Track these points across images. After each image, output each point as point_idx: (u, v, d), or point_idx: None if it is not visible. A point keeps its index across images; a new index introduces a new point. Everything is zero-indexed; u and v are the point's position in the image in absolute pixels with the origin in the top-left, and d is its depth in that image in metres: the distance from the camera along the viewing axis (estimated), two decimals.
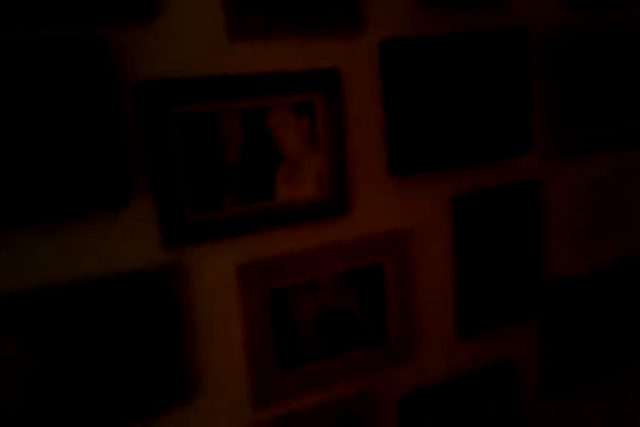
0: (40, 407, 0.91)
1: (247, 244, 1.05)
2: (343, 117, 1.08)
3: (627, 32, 1.34)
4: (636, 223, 1.48)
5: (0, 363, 0.87)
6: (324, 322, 1.12)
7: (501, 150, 1.25)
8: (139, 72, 0.92)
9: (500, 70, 1.21)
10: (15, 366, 0.88)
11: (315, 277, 1.10)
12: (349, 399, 1.17)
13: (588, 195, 1.39)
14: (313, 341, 1.11)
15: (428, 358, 1.25)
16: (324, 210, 1.09)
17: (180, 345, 0.99)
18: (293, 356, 1.10)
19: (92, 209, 0.90)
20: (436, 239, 1.22)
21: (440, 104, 1.16)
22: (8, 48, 0.82)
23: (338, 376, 1.15)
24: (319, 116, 1.06)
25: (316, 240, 1.10)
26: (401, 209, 1.18)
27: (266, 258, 1.06)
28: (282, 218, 1.06)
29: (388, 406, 1.23)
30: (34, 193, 0.87)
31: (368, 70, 1.10)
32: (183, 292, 1.00)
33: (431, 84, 1.15)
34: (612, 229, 1.43)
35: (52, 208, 0.88)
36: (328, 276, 1.11)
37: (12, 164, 0.85)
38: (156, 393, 0.99)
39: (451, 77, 1.16)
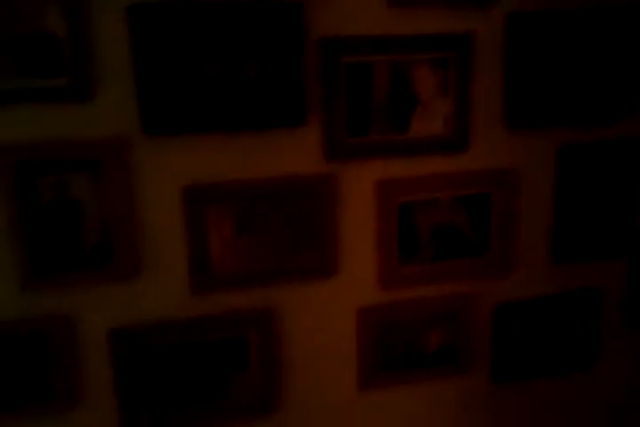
0: None
1: (384, 165, 1.38)
2: (470, 73, 1.37)
3: None
4: None
5: None
6: (438, 233, 1.44)
7: (607, 111, 1.47)
8: (320, 30, 1.28)
9: (612, 42, 1.43)
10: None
11: (435, 197, 1.42)
12: (451, 297, 1.48)
13: None
14: (427, 246, 1.44)
15: (523, 276, 1.53)
16: (448, 145, 1.40)
17: (328, 232, 1.36)
18: (411, 255, 1.43)
19: (278, 125, 1.28)
20: (539, 179, 1.49)
21: (553, 69, 1.41)
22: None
23: (444, 278, 1.47)
24: (451, 70, 1.36)
25: (439, 168, 1.41)
26: (511, 152, 1.46)
27: (398, 178, 1.39)
28: (413, 148, 1.38)
29: (483, 310, 1.52)
30: (237, 107, 1.26)
31: (495, 37, 1.38)
32: (335, 195, 1.36)
33: (547, 52, 1.40)
34: None
35: (251, 122, 1.27)
36: (446, 197, 1.42)
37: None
38: (307, 267, 1.36)
39: (565, 46, 1.41)
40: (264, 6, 1.22)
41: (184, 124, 1.23)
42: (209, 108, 1.23)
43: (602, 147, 1.50)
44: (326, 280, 1.40)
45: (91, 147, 1.19)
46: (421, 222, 1.43)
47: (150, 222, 1.27)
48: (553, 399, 1.66)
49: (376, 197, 1.39)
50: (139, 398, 1.32)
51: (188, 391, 1.35)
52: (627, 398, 1.73)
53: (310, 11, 1.26)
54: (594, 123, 1.48)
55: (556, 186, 1.50)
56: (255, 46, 1.23)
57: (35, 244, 1.20)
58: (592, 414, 1.71)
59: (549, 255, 1.53)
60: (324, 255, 1.37)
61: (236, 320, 1.35)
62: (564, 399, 1.67)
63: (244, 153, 1.29)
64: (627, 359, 1.69)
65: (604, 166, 1.52)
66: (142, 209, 1.26)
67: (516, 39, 1.38)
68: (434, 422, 1.58)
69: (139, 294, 1.30)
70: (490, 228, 1.47)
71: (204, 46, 1.20)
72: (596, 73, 1.44)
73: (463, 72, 1.37)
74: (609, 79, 1.46)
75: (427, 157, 1.40)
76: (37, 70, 1.12)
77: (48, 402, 1.28)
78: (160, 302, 1.31)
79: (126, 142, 1.21)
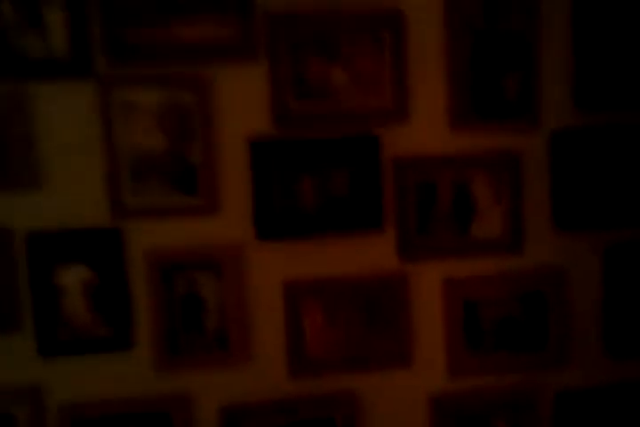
0: None
1: (449, 265, 1.58)
2: (520, 186, 1.59)
3: None
4: None
5: None
6: (499, 325, 1.59)
7: None
8: (394, 153, 1.53)
9: None
10: None
11: (494, 292, 1.59)
12: (514, 387, 1.60)
13: None
14: (491, 335, 1.59)
15: (578, 367, 1.65)
16: (504, 247, 1.60)
17: (402, 325, 1.53)
18: (477, 343, 1.58)
19: (360, 229, 1.51)
20: (589, 278, 1.65)
21: (594, 179, 1.63)
22: None
23: (507, 368, 1.60)
24: (504, 182, 1.59)
25: (498, 268, 1.60)
26: (562, 253, 1.64)
27: (460, 276, 1.58)
28: (474, 250, 1.58)
29: (545, 399, 1.64)
30: (329, 216, 1.49)
31: (542, 152, 1.61)
32: (408, 290, 1.55)
33: (588, 162, 1.62)
34: None
35: (339, 227, 1.50)
36: (505, 293, 1.59)
37: None
38: (385, 356, 1.53)
39: (603, 158, 1.63)
40: (350, 140, 1.50)
41: (286, 230, 1.48)
42: (307, 218, 1.48)
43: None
44: (401, 368, 1.56)
45: (215, 249, 1.46)
46: (485, 317, 1.59)
47: (258, 313, 1.50)
48: None
49: (443, 293, 1.57)
50: None
51: None
52: None
53: (385, 138, 1.52)
54: (637, 225, 1.67)
55: (604, 283, 1.66)
56: (343, 168, 1.49)
57: (169, 330, 1.44)
58: None
59: (602, 348, 1.66)
60: (400, 345, 1.54)
61: (326, 401, 1.52)
62: None
63: (333, 253, 1.52)
64: None
65: None
66: (251, 302, 1.49)
67: (559, 154, 1.61)
68: None
69: (247, 377, 1.50)
70: (547, 322, 1.62)
71: (303, 167, 1.48)
72: (633, 181, 1.65)
73: (513, 185, 1.60)
74: None
75: (487, 257, 1.60)
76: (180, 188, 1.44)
77: None
78: (264, 384, 1.51)
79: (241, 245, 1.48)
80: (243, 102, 1.46)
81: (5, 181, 1.37)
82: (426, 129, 1.55)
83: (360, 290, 1.52)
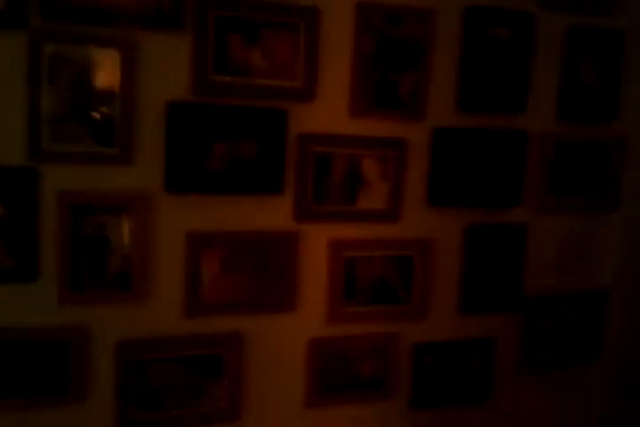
0: None
1: (336, 228, 1.85)
2: (405, 165, 1.88)
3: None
4: None
5: None
6: (374, 283, 1.89)
7: (500, 202, 2.00)
8: (298, 128, 1.77)
9: (504, 156, 1.99)
10: None
11: (372, 254, 1.88)
12: (381, 335, 1.91)
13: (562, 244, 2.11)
14: (366, 293, 1.88)
15: (435, 323, 1.98)
16: (384, 217, 1.89)
17: (291, 276, 1.79)
18: (353, 297, 1.87)
19: (262, 192, 1.74)
20: (452, 248, 1.98)
21: (464, 169, 1.95)
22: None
23: (377, 318, 1.90)
24: (389, 163, 1.87)
25: (377, 233, 1.89)
26: (432, 225, 1.95)
27: (345, 238, 1.86)
28: (359, 217, 1.86)
29: (405, 348, 1.95)
30: (236, 178, 1.72)
31: (423, 142, 1.91)
32: (299, 247, 1.80)
33: (459, 155, 1.94)
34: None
35: (244, 188, 1.73)
36: (380, 255, 1.89)
37: None
38: (273, 302, 1.78)
39: (474, 155, 1.95)
40: (261, 111, 1.72)
41: (194, 186, 1.68)
42: (215, 177, 1.69)
43: (498, 227, 2.02)
44: (286, 314, 1.82)
45: (125, 197, 1.62)
46: (361, 273, 1.88)
47: (160, 258, 1.68)
48: (458, 425, 2.07)
49: (328, 252, 1.84)
50: (131, 398, 1.68)
51: (171, 396, 1.71)
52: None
53: (292, 114, 1.76)
54: (493, 208, 2.01)
55: (464, 254, 1.99)
56: (252, 137, 1.71)
57: (73, 267, 1.59)
58: None
59: (457, 305, 2.00)
60: (287, 294, 1.80)
61: (215, 340, 1.74)
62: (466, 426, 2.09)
63: (236, 211, 1.74)
64: (517, 394, 2.14)
65: (496, 244, 2.03)
66: (155, 248, 1.68)
67: (438, 145, 1.92)
68: None
69: (145, 315, 1.69)
70: (412, 283, 1.93)
71: (216, 131, 1.68)
72: (495, 173, 1.99)
73: (399, 165, 1.88)
74: (504, 180, 2.00)
75: (368, 224, 1.88)
76: (99, 141, 1.59)
77: (62, 395, 1.63)
78: (160, 322, 1.71)
79: (152, 197, 1.66)
80: (165, 68, 1.63)
81: None
82: (329, 110, 1.80)
83: (256, 245, 1.76)
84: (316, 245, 1.84)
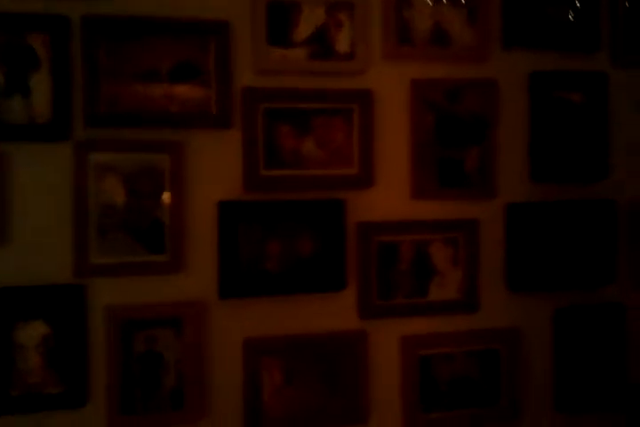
0: None
1: (407, 324, 1.67)
2: (478, 250, 1.71)
3: None
4: None
5: None
6: (454, 383, 1.68)
7: (592, 281, 1.78)
8: (360, 217, 1.64)
9: (590, 229, 1.78)
10: None
11: (450, 350, 1.68)
12: None
13: None
14: (446, 395, 1.67)
15: (530, 422, 1.74)
16: (461, 307, 1.70)
17: (359, 383, 1.61)
18: (432, 404, 1.66)
19: (324, 290, 1.60)
20: (540, 337, 1.75)
21: (545, 248, 1.75)
22: None
23: (460, 424, 1.68)
24: (461, 248, 1.70)
25: (454, 326, 1.69)
26: (515, 313, 1.74)
27: (418, 334, 1.67)
28: (432, 309, 1.68)
29: None
30: (293, 276, 1.58)
31: (496, 222, 1.73)
32: (367, 348, 1.63)
33: (540, 232, 1.74)
34: None
35: (302, 287, 1.59)
36: (460, 351, 1.68)
37: None
38: (342, 414, 1.60)
39: (554, 229, 1.75)
40: (317, 204, 1.59)
41: (250, 290, 1.55)
42: (271, 278, 1.56)
43: (590, 309, 1.79)
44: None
45: (178, 308, 1.51)
46: (440, 374, 1.68)
47: (216, 371, 1.55)
48: None
49: (400, 351, 1.65)
50: None
51: None
52: None
53: (350, 203, 1.63)
54: (583, 289, 1.79)
55: (555, 343, 1.76)
56: (308, 232, 1.59)
57: (124, 389, 1.48)
58: None
59: (553, 403, 1.76)
60: (356, 404, 1.61)
61: None
62: None
63: (295, 312, 1.60)
64: None
65: (591, 328, 1.79)
66: (211, 360, 1.54)
67: (513, 223, 1.73)
68: None
69: None
70: (499, 380, 1.71)
71: (270, 229, 1.56)
72: (581, 250, 1.77)
73: (471, 248, 1.71)
74: (592, 256, 1.78)
75: (443, 317, 1.69)
76: (148, 248, 1.50)
77: None
78: None
79: (205, 305, 1.54)
80: (214, 167, 1.54)
81: None
82: (389, 195, 1.66)
83: (319, 348, 1.60)
84: (386, 343, 1.66)
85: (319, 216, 1.59)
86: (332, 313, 1.62)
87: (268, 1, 1.54)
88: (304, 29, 1.57)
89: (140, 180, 1.49)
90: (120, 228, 1.48)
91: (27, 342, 1.43)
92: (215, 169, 1.55)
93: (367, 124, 1.61)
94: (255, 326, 1.57)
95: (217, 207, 1.53)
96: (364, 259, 1.63)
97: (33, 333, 1.43)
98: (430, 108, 1.66)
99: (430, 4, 1.65)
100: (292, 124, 1.57)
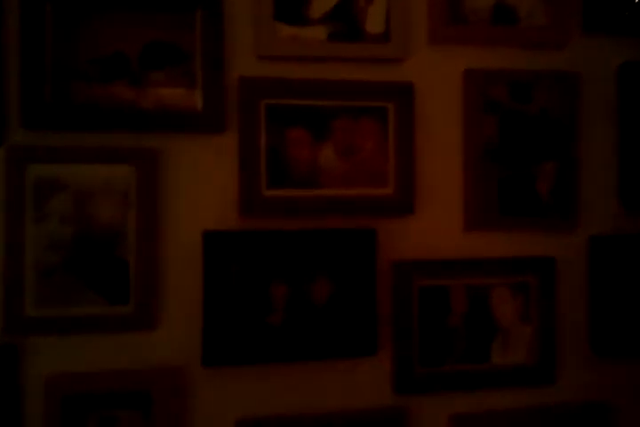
0: None
1: (461, 398, 1.25)
2: (555, 300, 1.28)
3: None
4: None
5: None
6: None
7: None
8: (395, 253, 1.23)
9: None
10: None
11: None
12: None
13: None
14: None
15: None
16: (532, 376, 1.26)
17: None
18: None
19: (345, 355, 1.18)
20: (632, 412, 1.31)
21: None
22: None
23: None
24: (532, 295, 1.27)
25: (523, 402, 1.27)
26: (603, 383, 1.31)
27: (475, 413, 1.24)
28: (493, 379, 1.25)
29: None
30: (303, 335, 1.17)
31: (578, 261, 1.31)
32: None
33: (634, 276, 1.31)
34: None
35: (316, 351, 1.18)
36: None
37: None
38: None
39: None
40: (338, 234, 1.19)
41: (244, 354, 1.14)
42: (274, 335, 1.15)
43: None
44: None
45: (146, 378, 1.11)
46: None
47: None
48: None
49: None
50: None
51: None
52: None
53: (382, 235, 1.22)
54: None
55: None
56: (325, 271, 1.18)
57: None
58: None
59: None
60: None
61: None
62: None
63: (305, 385, 1.18)
64: None
65: None
66: None
67: (600, 263, 1.30)
68: None
69: None
70: None
71: (273, 269, 1.16)
72: None
73: (546, 298, 1.28)
74: None
75: (509, 390, 1.26)
76: (106, 296, 1.11)
77: None
78: None
79: (183, 374, 1.14)
80: (198, 185, 1.17)
81: None
82: (435, 225, 1.26)
83: None
84: (431, 424, 1.23)
85: (341, 252, 1.18)
86: (357, 386, 1.21)
87: None
88: (324, 1, 1.19)
89: (96, 201, 1.10)
90: (68, 268, 1.10)
91: None
92: (201, 187, 1.17)
93: (406, 128, 1.22)
94: (252, 403, 1.17)
95: (202, 239, 1.13)
96: (402, 311, 1.22)
97: None
98: (491, 108, 1.26)
99: None
100: (306, 127, 1.18)
